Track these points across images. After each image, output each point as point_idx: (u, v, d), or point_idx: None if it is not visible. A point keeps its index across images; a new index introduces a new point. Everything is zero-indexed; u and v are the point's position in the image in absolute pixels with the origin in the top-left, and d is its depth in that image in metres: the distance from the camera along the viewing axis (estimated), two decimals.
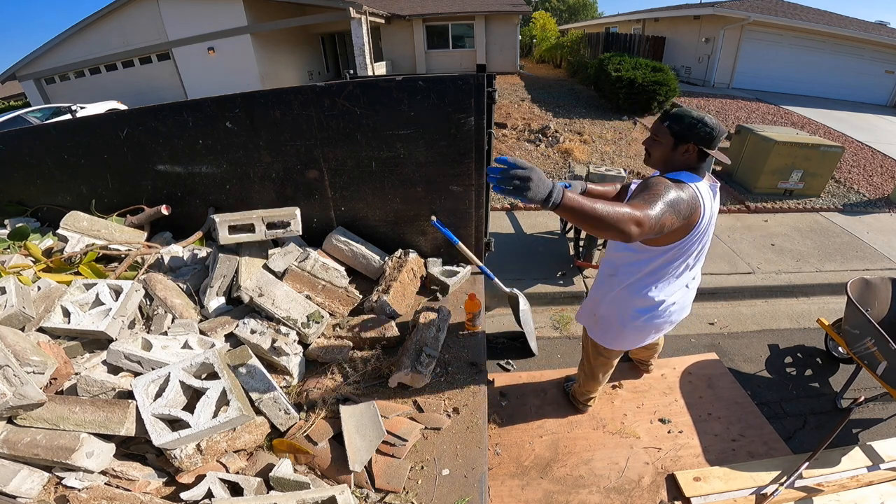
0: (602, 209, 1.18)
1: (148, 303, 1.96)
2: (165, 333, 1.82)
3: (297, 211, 2.23)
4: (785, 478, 2.10)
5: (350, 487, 1.35)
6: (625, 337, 1.99)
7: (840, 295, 2.95)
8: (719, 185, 1.67)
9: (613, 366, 2.27)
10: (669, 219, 1.35)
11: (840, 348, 2.97)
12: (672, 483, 2.15)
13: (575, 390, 2.56)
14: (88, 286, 1.88)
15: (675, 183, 1.45)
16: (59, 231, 2.28)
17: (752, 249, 4.40)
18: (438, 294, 2.42)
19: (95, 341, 1.79)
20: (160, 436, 1.31)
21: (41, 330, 1.75)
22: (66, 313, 1.76)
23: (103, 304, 1.81)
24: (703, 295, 3.71)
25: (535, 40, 22.94)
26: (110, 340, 1.77)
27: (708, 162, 1.69)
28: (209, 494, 1.27)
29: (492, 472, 2.19)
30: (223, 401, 1.42)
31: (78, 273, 2.10)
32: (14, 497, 1.20)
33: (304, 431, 1.51)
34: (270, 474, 1.32)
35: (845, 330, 2.61)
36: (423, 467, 1.47)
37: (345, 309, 2.16)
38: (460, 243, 2.43)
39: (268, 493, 1.32)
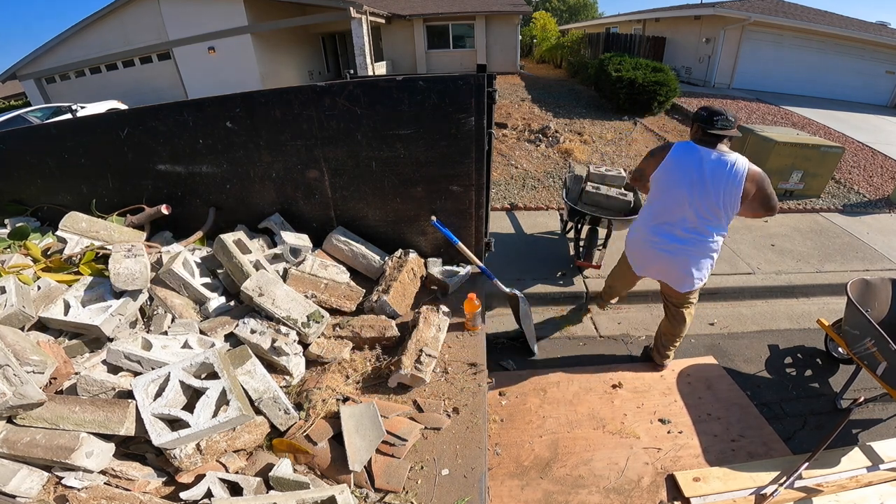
0: None
1: (148, 302, 1.97)
2: (165, 333, 1.82)
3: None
4: (784, 478, 2.10)
5: (350, 487, 1.35)
6: (626, 244, 2.67)
7: (840, 295, 2.95)
8: (724, 156, 2.15)
9: (625, 276, 2.82)
10: (644, 161, 2.46)
11: (840, 349, 2.97)
12: (672, 483, 2.15)
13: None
14: (94, 283, 1.89)
15: (664, 144, 2.45)
16: (59, 233, 2.28)
17: (752, 250, 4.40)
18: (438, 294, 2.42)
19: (95, 340, 1.79)
20: (160, 435, 1.31)
21: (39, 320, 1.75)
22: (67, 307, 1.77)
23: (105, 301, 1.81)
24: (703, 295, 3.70)
25: (535, 40, 22.95)
26: (108, 339, 1.77)
27: (717, 138, 2.21)
28: (209, 494, 1.27)
29: (491, 473, 2.19)
30: (223, 400, 1.42)
31: (78, 273, 2.10)
32: (13, 496, 1.20)
33: (304, 431, 1.51)
34: (270, 474, 1.32)
35: (845, 330, 2.61)
36: (422, 467, 1.47)
37: (350, 304, 2.17)
38: (460, 243, 2.43)
39: (267, 492, 1.32)
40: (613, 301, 3.29)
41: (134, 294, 1.90)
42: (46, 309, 1.75)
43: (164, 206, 2.55)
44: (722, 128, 2.14)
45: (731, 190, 2.13)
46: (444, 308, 2.14)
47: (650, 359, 2.93)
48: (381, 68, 15.14)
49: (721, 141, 2.18)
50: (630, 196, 3.69)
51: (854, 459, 2.27)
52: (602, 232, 3.78)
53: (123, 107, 10.26)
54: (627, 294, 3.35)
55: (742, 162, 2.14)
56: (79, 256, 2.16)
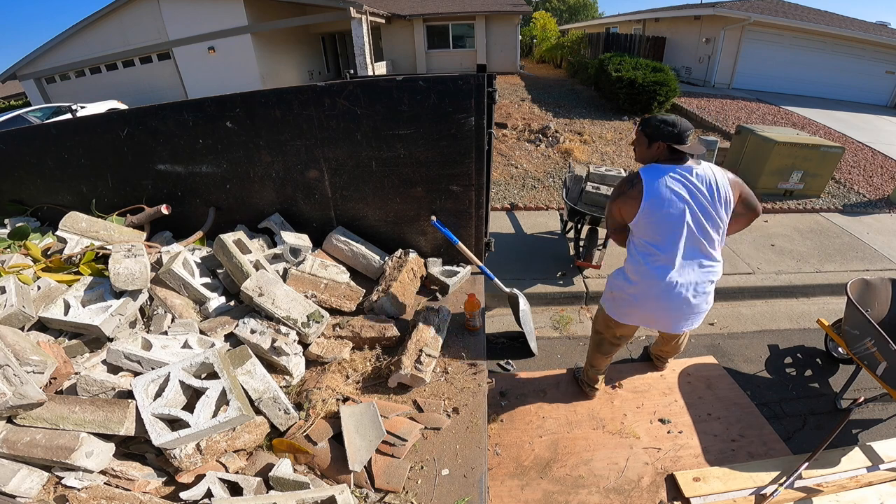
0: None
1: (148, 303, 1.97)
2: (165, 333, 1.82)
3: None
4: (784, 478, 2.10)
5: (350, 487, 1.35)
6: (608, 301, 2.22)
7: (840, 295, 2.95)
8: (702, 169, 1.84)
9: (609, 342, 2.34)
10: (612, 207, 1.97)
11: (840, 349, 2.97)
12: (671, 483, 2.15)
13: (583, 370, 2.65)
14: (94, 284, 1.89)
15: (627, 177, 1.93)
16: (59, 233, 2.28)
17: (752, 250, 4.40)
18: (438, 294, 2.42)
19: (95, 340, 1.79)
20: (160, 435, 1.31)
21: (39, 320, 1.75)
22: (67, 307, 1.77)
23: (105, 301, 1.81)
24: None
25: (535, 40, 22.92)
26: (108, 339, 1.77)
27: (686, 153, 1.87)
28: (209, 494, 1.27)
29: (491, 473, 2.18)
30: (223, 400, 1.42)
31: (78, 273, 2.10)
32: (13, 496, 1.20)
33: (304, 431, 1.51)
34: (270, 474, 1.32)
35: (845, 330, 2.61)
36: (422, 467, 1.47)
37: (350, 304, 2.17)
38: (460, 243, 2.43)
39: (267, 492, 1.32)
40: (601, 380, 2.64)
41: (134, 294, 1.90)
42: (46, 309, 1.75)
43: (164, 205, 2.55)
44: (688, 141, 1.82)
45: (726, 203, 1.88)
46: (444, 308, 2.14)
47: (649, 358, 2.93)
48: (381, 68, 15.14)
49: (686, 158, 1.87)
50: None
51: (854, 459, 2.27)
52: (602, 232, 3.78)
53: (123, 107, 10.26)
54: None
55: (718, 169, 1.90)
56: (79, 256, 2.16)
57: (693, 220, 1.84)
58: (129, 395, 1.43)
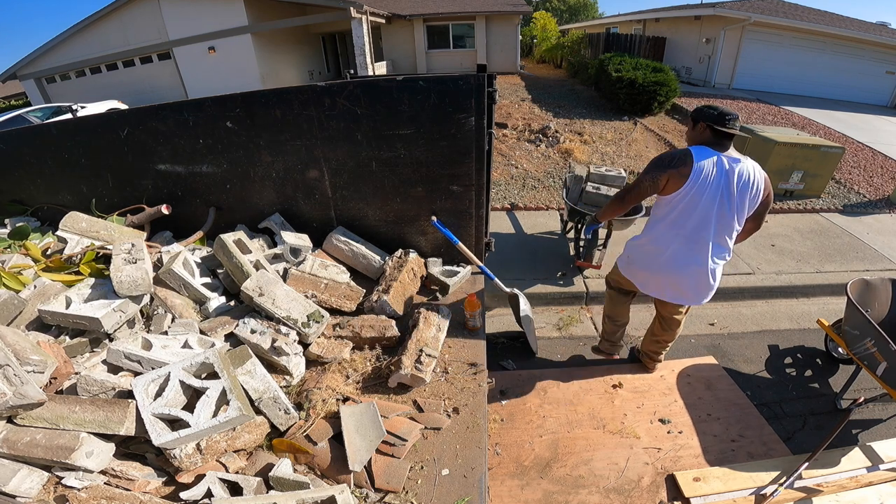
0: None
1: (148, 302, 1.97)
2: (165, 333, 1.82)
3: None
4: (784, 478, 2.10)
5: (350, 487, 1.35)
6: (623, 261, 2.47)
7: (840, 296, 2.95)
8: (744, 164, 1.98)
9: (617, 300, 2.68)
10: (658, 176, 2.02)
11: (840, 349, 2.97)
12: (672, 483, 2.15)
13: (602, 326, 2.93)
14: (97, 284, 1.89)
15: (678, 153, 2.02)
16: (59, 233, 2.28)
17: (753, 250, 4.40)
18: (438, 294, 2.42)
19: (95, 340, 1.79)
20: (160, 435, 1.31)
21: (39, 319, 1.75)
22: (69, 302, 1.77)
23: (107, 299, 1.81)
24: None
25: (535, 40, 22.92)
26: (108, 335, 1.77)
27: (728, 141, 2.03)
28: (209, 494, 1.27)
29: (491, 472, 2.19)
30: (223, 400, 1.42)
31: (78, 273, 2.10)
32: (13, 496, 1.20)
33: (304, 431, 1.51)
34: (270, 474, 1.32)
35: (845, 331, 2.61)
36: (422, 467, 1.47)
37: (350, 304, 2.17)
38: (460, 243, 2.43)
39: (267, 492, 1.32)
40: (621, 343, 2.91)
41: (136, 297, 1.90)
42: (46, 303, 1.75)
43: (164, 205, 2.54)
44: (733, 127, 1.95)
45: (755, 199, 2.01)
46: (444, 308, 2.14)
47: (638, 360, 2.92)
48: (381, 68, 15.14)
49: (731, 142, 2.02)
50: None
51: (854, 459, 2.27)
52: (602, 232, 3.78)
53: (123, 106, 10.26)
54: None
55: (757, 166, 2.02)
56: (79, 256, 2.16)
57: (725, 207, 2.00)
58: (129, 394, 1.43)
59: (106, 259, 2.25)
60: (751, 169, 1.98)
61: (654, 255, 2.21)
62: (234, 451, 1.46)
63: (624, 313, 2.77)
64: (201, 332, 1.83)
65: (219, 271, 2.23)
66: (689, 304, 2.34)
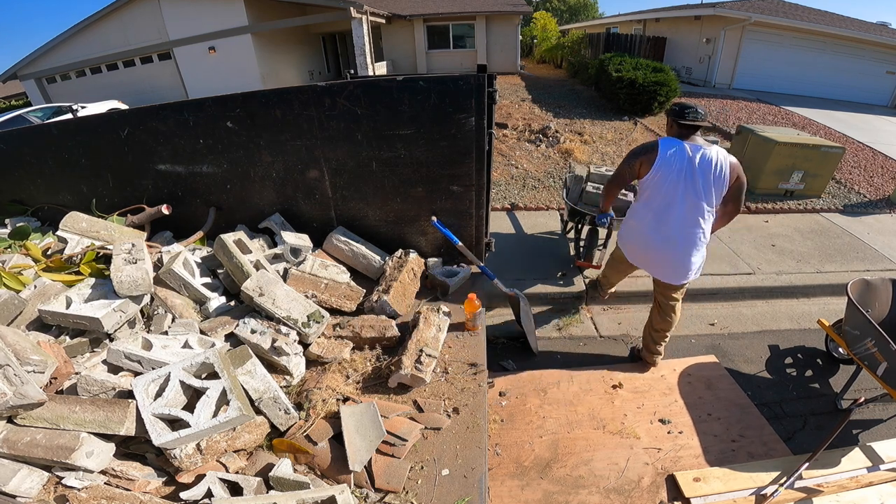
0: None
1: (148, 302, 1.97)
2: (166, 333, 1.82)
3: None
4: (785, 478, 2.10)
5: (350, 487, 1.35)
6: (619, 236, 2.75)
7: (840, 296, 2.95)
8: (706, 150, 2.26)
9: (621, 267, 2.88)
10: (633, 162, 2.36)
11: (840, 349, 2.97)
12: (672, 484, 2.15)
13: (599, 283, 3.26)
14: (97, 284, 1.89)
15: (648, 143, 2.37)
16: (59, 233, 2.28)
17: (753, 250, 4.39)
18: (438, 294, 2.42)
19: (96, 340, 1.79)
20: (160, 435, 1.31)
21: (40, 319, 1.75)
22: (69, 302, 1.77)
23: (107, 299, 1.81)
24: (704, 295, 3.70)
25: (535, 41, 22.92)
26: (108, 335, 1.77)
27: (692, 132, 2.32)
28: (209, 494, 1.27)
29: (491, 473, 2.18)
30: (223, 400, 1.42)
31: (78, 273, 2.10)
32: (14, 496, 1.20)
33: (304, 431, 1.51)
34: (270, 474, 1.32)
35: (846, 331, 2.61)
36: (422, 467, 1.47)
37: (351, 304, 2.17)
38: (460, 243, 2.43)
39: (267, 492, 1.32)
40: (611, 290, 3.31)
41: (137, 297, 1.90)
42: (47, 303, 1.75)
43: (164, 205, 2.55)
44: (692, 119, 2.26)
45: (720, 180, 2.26)
46: (444, 308, 2.14)
47: (639, 359, 2.94)
48: (381, 68, 15.14)
49: (694, 132, 2.31)
50: (630, 197, 3.69)
51: (854, 460, 2.27)
52: (602, 232, 3.78)
53: (124, 107, 10.26)
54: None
55: (722, 151, 2.28)
56: (79, 256, 2.16)
57: (689, 188, 2.27)
58: (129, 394, 1.43)
59: (106, 259, 2.25)
60: (714, 154, 2.24)
61: (635, 230, 2.56)
62: (235, 451, 1.46)
63: (619, 277, 3.12)
64: (201, 332, 1.83)
65: (219, 271, 2.23)
66: (667, 280, 2.55)
